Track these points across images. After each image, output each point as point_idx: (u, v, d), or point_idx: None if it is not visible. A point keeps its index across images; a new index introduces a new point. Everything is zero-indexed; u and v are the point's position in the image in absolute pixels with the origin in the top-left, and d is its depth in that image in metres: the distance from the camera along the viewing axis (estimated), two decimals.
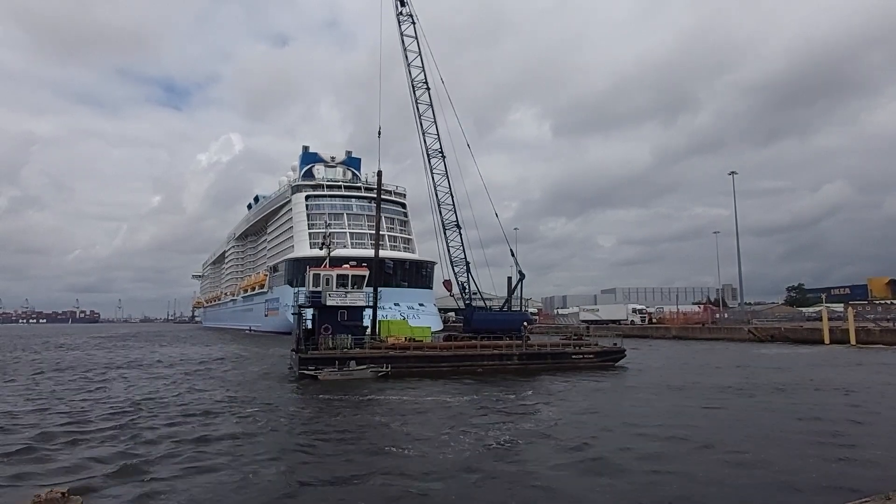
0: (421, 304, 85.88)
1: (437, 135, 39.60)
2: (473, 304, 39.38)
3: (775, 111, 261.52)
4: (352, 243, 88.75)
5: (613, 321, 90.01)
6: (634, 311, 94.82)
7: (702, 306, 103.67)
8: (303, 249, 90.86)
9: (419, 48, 39.78)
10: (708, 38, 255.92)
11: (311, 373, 27.77)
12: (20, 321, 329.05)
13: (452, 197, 39.21)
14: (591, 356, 34.89)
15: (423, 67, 39.66)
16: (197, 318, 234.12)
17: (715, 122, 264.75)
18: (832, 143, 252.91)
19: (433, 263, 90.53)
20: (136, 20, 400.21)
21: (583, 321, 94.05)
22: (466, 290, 38.99)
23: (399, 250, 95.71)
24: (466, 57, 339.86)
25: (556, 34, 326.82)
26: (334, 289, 30.79)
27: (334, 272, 31.32)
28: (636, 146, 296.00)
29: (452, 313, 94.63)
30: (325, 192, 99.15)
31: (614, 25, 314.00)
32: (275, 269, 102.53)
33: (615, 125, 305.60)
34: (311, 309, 31.52)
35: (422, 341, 34.20)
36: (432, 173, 39.26)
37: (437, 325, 77.96)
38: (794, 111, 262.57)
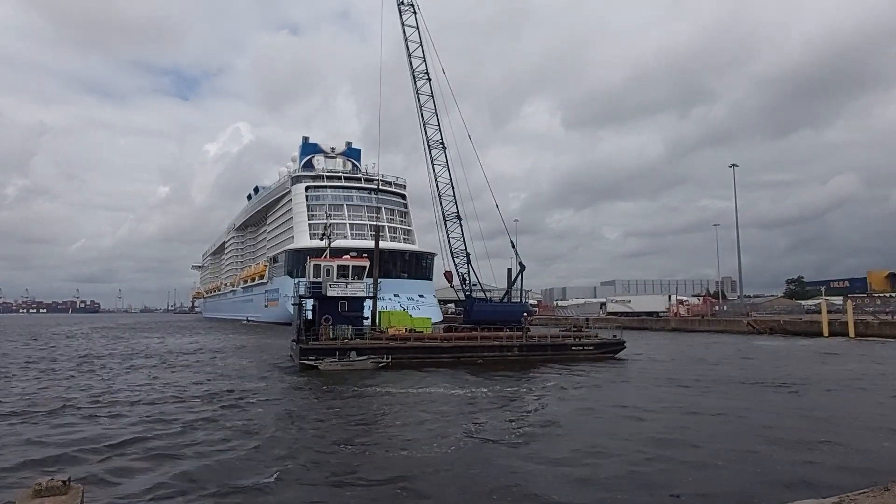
0: (421, 296, 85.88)
1: (438, 125, 39.50)
2: (474, 295, 39.40)
3: (790, 104, 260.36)
4: (352, 234, 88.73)
5: (648, 313, 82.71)
6: (681, 301, 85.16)
7: (701, 298, 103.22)
8: (303, 240, 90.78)
9: (420, 38, 39.58)
10: (730, 30, 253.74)
11: (312, 363, 27.81)
12: (20, 311, 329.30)
13: (453, 188, 39.16)
14: (590, 348, 34.95)
15: (423, 58, 39.51)
16: (197, 309, 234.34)
17: (729, 114, 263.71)
18: (844, 136, 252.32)
19: (433, 255, 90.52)
20: (157, 10, 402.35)
21: (611, 313, 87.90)
22: (467, 282, 39.00)
23: (399, 241, 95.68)
24: (488, 49, 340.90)
25: (578, 26, 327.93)
26: (335, 279, 30.79)
27: (335, 263, 31.31)
28: (649, 138, 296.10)
29: (452, 304, 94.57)
30: (326, 183, 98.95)
31: (639, 16, 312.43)
32: (275, 259, 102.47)
33: (629, 117, 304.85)
34: (312, 299, 31.54)
35: (422, 332, 34.27)
36: (433, 164, 39.22)
37: (436, 316, 78.04)
38: (808, 104, 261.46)
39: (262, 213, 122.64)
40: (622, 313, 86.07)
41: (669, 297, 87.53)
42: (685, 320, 74.18)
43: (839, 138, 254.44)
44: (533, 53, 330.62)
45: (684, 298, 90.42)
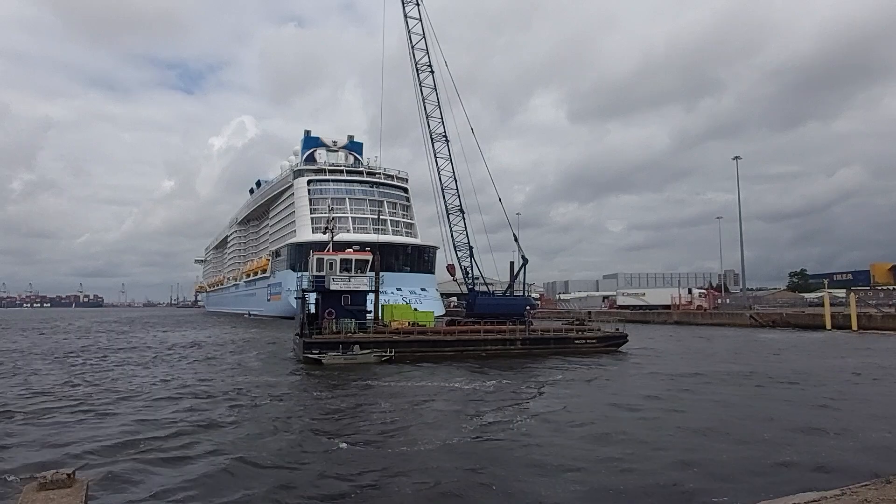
0: (423, 289, 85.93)
1: (441, 119, 39.40)
2: (476, 288, 39.39)
3: (798, 95, 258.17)
4: (354, 228, 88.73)
5: (664, 306, 79.94)
6: (701, 294, 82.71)
7: (705, 291, 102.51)
8: (305, 234, 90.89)
9: (423, 30, 39.42)
10: (739, 20, 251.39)
11: (316, 357, 27.86)
12: (24, 305, 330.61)
13: (456, 182, 39.10)
14: (593, 341, 34.94)
15: (427, 50, 39.37)
16: (200, 303, 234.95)
17: (736, 106, 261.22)
18: (852, 127, 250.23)
19: (435, 248, 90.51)
20: (164, 3, 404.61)
21: (621, 306, 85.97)
22: (469, 275, 38.98)
23: (401, 235, 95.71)
24: (497, 41, 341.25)
25: (587, 17, 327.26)
26: (338, 273, 30.81)
27: (338, 256, 31.30)
28: (655, 131, 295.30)
29: (454, 298, 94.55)
30: (328, 177, 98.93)
31: (648, 6, 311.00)
32: (277, 253, 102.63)
33: (636, 109, 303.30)
34: (315, 293, 31.57)
35: (425, 326, 34.31)
36: (436, 157, 39.17)
37: (439, 309, 78.23)
38: (816, 95, 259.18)
39: (264, 207, 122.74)
40: (636, 307, 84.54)
41: (690, 290, 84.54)
42: (688, 313, 74.06)
43: (846, 129, 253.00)
44: (541, 45, 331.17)
45: (703, 291, 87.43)
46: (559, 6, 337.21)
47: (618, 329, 37.17)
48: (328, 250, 32.00)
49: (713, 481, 10.51)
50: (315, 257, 31.46)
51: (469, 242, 38.91)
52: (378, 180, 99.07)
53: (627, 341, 36.00)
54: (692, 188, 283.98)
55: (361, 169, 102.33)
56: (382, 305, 34.80)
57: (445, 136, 39.20)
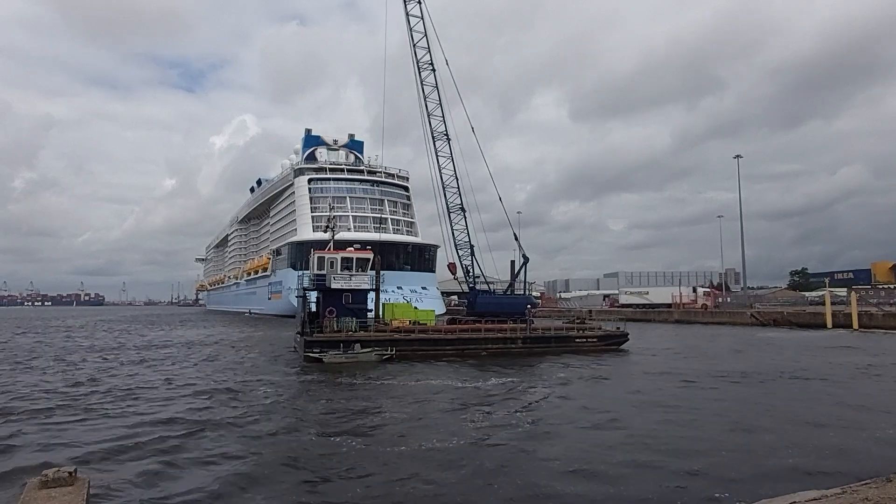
0: (424, 288, 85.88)
1: (442, 117, 39.39)
2: (477, 287, 39.40)
3: (799, 94, 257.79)
4: (355, 226, 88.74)
5: (668, 305, 79.37)
6: (706, 293, 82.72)
7: (709, 290, 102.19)
8: (306, 233, 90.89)
9: (425, 28, 39.43)
10: (740, 19, 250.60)
11: (317, 356, 27.85)
12: (25, 304, 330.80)
13: (457, 180, 39.12)
14: (594, 340, 34.95)
15: (428, 48, 39.35)
16: (201, 302, 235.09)
17: (737, 105, 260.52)
18: (853, 126, 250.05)
19: (436, 247, 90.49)
20: (166, 2, 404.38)
21: (623, 305, 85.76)
22: (470, 274, 39.00)
23: (402, 234, 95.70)
24: (498, 40, 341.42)
25: (589, 15, 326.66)
26: (339, 272, 30.80)
27: (339, 255, 31.27)
28: (656, 130, 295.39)
29: (455, 297, 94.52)
30: (329, 176, 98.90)
31: (650, 5, 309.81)
32: (278, 252, 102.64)
33: (637, 108, 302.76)
34: (316, 292, 31.56)
35: (426, 324, 34.31)
36: (437, 156, 39.19)
37: (440, 308, 78.21)
38: (817, 94, 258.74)
39: (265, 206, 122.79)
40: (638, 305, 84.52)
41: (694, 288, 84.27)
42: (689, 312, 74.05)
43: (847, 129, 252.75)
44: (542, 44, 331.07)
45: (707, 290, 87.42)
46: (560, 5, 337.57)
47: (618, 328, 37.17)
48: (329, 249, 31.99)
49: (713, 479, 10.50)
50: (316, 256, 31.44)
51: (470, 241, 38.97)
52: (379, 179, 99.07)
53: (628, 340, 35.99)
54: (693, 187, 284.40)
55: (362, 168, 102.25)
56: (383, 304, 34.81)
57: (447, 134, 39.25)
